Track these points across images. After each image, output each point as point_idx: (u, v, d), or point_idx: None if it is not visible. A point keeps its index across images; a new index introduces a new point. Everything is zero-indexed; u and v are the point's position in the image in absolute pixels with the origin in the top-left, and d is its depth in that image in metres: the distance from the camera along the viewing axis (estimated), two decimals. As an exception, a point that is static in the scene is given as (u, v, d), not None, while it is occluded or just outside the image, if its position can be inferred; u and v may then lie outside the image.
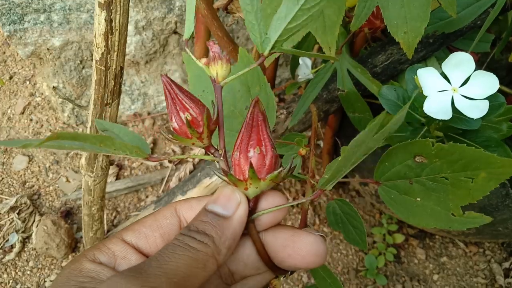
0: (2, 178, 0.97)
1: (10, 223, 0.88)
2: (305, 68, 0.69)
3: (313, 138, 0.57)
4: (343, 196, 1.04)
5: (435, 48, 0.60)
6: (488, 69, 0.63)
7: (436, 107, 0.41)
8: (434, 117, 0.41)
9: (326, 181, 0.27)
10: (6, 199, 0.93)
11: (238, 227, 0.23)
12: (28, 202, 0.91)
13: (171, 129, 0.27)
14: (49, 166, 1.00)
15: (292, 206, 1.00)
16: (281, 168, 0.25)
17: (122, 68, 0.53)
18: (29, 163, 1.00)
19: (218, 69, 0.26)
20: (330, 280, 0.32)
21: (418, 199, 0.29)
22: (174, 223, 0.26)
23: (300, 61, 0.71)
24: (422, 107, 0.42)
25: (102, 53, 0.49)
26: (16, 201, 0.90)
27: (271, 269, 0.26)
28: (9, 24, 0.89)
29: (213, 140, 0.27)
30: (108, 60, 0.50)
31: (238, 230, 0.23)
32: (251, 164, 0.24)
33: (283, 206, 0.25)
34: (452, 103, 0.41)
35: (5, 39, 1.26)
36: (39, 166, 1.00)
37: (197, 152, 0.99)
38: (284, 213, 0.26)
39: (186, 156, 0.28)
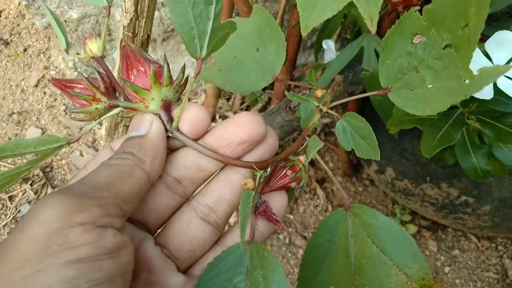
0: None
1: (23, 194, 0.88)
2: (329, 52, 0.68)
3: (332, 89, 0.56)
4: (356, 184, 1.03)
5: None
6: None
7: (478, 86, 0.39)
8: (476, 97, 0.39)
9: None
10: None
11: (155, 139, 0.25)
12: (41, 174, 0.91)
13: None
14: (62, 140, 0.99)
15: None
16: (162, 71, 0.26)
17: (148, 37, 0.52)
18: (42, 136, 0.99)
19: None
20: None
21: (430, 86, 0.27)
22: None
23: (324, 45, 0.70)
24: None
25: (131, 19, 0.48)
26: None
27: (220, 160, 0.26)
28: (28, -7, 0.88)
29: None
30: (136, 26, 0.49)
31: (156, 142, 0.25)
32: (129, 87, 0.26)
33: (183, 102, 0.26)
34: (495, 83, 0.40)
35: (20, 11, 1.24)
36: (52, 140, 0.99)
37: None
38: (203, 117, 0.26)
39: (101, 118, 0.28)
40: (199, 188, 0.28)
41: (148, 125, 0.25)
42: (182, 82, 0.28)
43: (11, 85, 1.09)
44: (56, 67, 1.11)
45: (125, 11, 0.48)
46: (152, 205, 0.27)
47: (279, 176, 0.28)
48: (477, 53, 0.41)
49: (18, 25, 1.22)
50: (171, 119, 0.26)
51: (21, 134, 0.99)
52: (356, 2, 0.41)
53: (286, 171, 0.28)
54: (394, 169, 0.82)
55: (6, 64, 1.13)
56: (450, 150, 0.59)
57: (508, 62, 0.40)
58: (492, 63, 0.40)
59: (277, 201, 0.27)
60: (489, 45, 0.41)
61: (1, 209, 0.88)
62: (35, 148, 0.26)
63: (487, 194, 0.73)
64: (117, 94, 0.28)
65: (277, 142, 0.28)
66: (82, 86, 0.27)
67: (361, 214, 0.26)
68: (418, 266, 0.24)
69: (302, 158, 0.29)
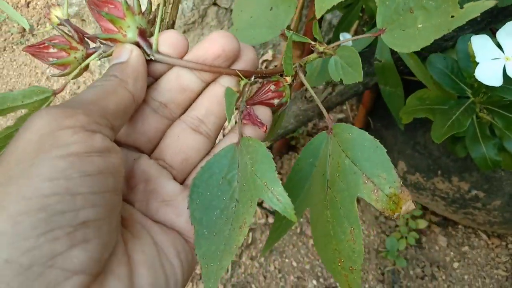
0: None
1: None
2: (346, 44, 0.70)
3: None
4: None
5: (481, 27, 0.60)
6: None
7: (488, 73, 0.41)
8: (485, 83, 0.41)
9: None
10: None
11: (136, 64, 0.26)
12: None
13: (97, 37, 0.28)
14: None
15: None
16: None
17: (174, 22, 0.55)
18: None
19: None
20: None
21: (420, 25, 0.28)
22: None
23: (341, 37, 0.72)
24: (470, 77, 0.42)
25: (158, 4, 0.51)
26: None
27: (204, 69, 0.27)
28: (57, -17, 0.91)
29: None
30: (163, 12, 0.52)
31: (136, 66, 0.26)
32: (105, 16, 0.27)
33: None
34: (504, 71, 0.41)
35: (47, 2, 1.29)
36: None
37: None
38: (180, 39, 0.27)
39: (82, 65, 0.29)
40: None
41: (128, 52, 0.26)
42: (150, 13, 0.29)
43: (37, 73, 1.13)
44: (80, 56, 1.15)
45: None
46: (141, 128, 0.28)
47: (263, 91, 0.30)
48: (489, 42, 0.43)
49: (45, 16, 1.27)
50: (149, 45, 0.27)
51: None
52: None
53: (270, 86, 0.30)
54: (406, 162, 0.83)
55: (32, 52, 1.17)
56: (461, 143, 0.60)
57: (518, 51, 0.42)
58: (503, 52, 0.42)
59: (261, 113, 0.29)
60: (500, 35, 0.42)
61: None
62: (22, 102, 0.27)
63: (498, 188, 0.74)
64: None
65: (256, 57, 0.29)
66: (54, 41, 0.28)
67: (340, 132, 0.27)
68: (386, 175, 0.24)
69: (287, 77, 0.30)
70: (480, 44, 0.42)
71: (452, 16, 0.26)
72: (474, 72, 0.42)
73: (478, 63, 0.42)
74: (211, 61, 0.27)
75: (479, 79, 0.41)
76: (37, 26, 1.24)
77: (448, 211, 0.86)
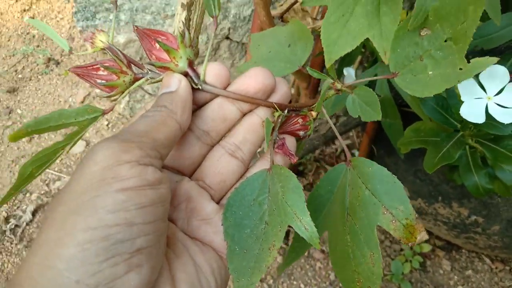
0: (62, 159, 1.07)
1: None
2: (350, 78, 0.75)
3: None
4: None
5: (474, 64, 0.65)
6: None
7: (471, 111, 0.46)
8: (468, 120, 0.46)
9: None
10: (64, 177, 1.02)
11: (184, 94, 0.28)
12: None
13: (155, 61, 0.30)
14: (104, 152, 1.09)
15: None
16: (183, 33, 0.30)
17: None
18: (86, 147, 1.09)
19: None
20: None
21: (430, 72, 0.30)
22: None
23: (345, 72, 0.77)
24: (458, 113, 0.47)
25: (208, 38, 0.57)
26: (73, 180, 1.00)
27: (244, 100, 0.30)
28: (83, 20, 0.99)
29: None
30: (212, 43, 0.58)
31: (185, 97, 0.28)
32: (160, 44, 0.29)
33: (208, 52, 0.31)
34: (486, 110, 0.46)
35: (70, 35, 1.38)
36: (94, 151, 1.09)
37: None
38: (224, 71, 0.30)
39: (130, 89, 0.31)
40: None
41: (177, 82, 0.28)
42: (196, 43, 0.32)
43: (60, 101, 1.20)
44: (101, 86, 1.22)
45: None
46: (186, 154, 0.31)
47: (291, 122, 0.33)
48: (473, 83, 0.48)
49: (86, 39, 1.35)
50: (197, 75, 0.29)
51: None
52: (372, 38, 0.49)
53: (298, 119, 0.33)
54: (409, 189, 0.87)
55: (56, 82, 1.25)
56: (458, 171, 0.65)
57: (499, 92, 0.46)
58: (486, 92, 0.47)
59: (288, 142, 0.32)
60: (483, 76, 0.47)
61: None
62: (75, 119, 0.28)
63: (496, 214, 0.77)
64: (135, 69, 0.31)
65: (289, 91, 0.32)
66: (104, 64, 0.29)
67: (359, 165, 0.29)
68: (403, 208, 0.27)
69: (313, 112, 0.33)
70: (465, 84, 0.47)
71: (460, 68, 0.29)
72: (459, 110, 0.47)
73: (463, 101, 0.47)
74: (252, 94, 0.30)
75: (463, 117, 0.46)
76: (60, 57, 1.32)
77: (451, 235, 0.89)
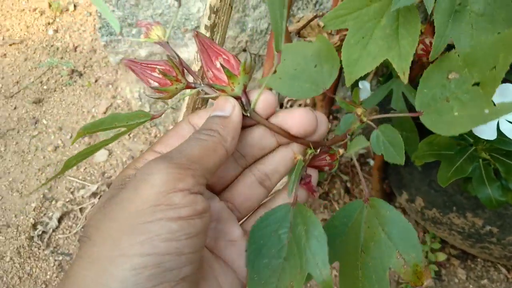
0: (86, 168, 1.11)
1: (91, 207, 1.01)
2: (365, 91, 0.77)
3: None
4: (388, 212, 1.09)
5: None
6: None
7: (484, 128, 0.48)
8: (481, 137, 0.48)
9: None
10: (88, 185, 1.06)
11: (237, 121, 0.29)
12: (107, 190, 1.04)
13: (209, 80, 0.30)
14: (125, 161, 1.13)
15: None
16: (246, 59, 0.30)
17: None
18: (108, 157, 1.14)
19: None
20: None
21: (456, 113, 0.31)
22: (190, 131, 0.31)
23: (360, 85, 0.80)
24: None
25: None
26: (97, 188, 1.04)
27: (284, 135, 0.31)
28: (106, 35, 1.04)
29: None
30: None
31: (237, 123, 0.29)
32: (223, 68, 0.29)
33: (261, 90, 0.30)
34: (498, 126, 0.48)
35: (92, 47, 1.42)
36: (116, 160, 1.13)
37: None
38: (274, 101, 0.31)
39: (179, 99, 0.33)
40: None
41: (232, 107, 0.29)
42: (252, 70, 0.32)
43: (83, 112, 1.25)
44: (123, 97, 1.27)
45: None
46: (221, 173, 0.32)
47: (319, 158, 0.34)
48: (484, 101, 0.50)
49: (91, 58, 1.40)
50: (249, 102, 0.30)
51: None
52: (391, 59, 0.51)
53: (326, 156, 0.34)
54: (423, 199, 0.89)
55: (79, 92, 1.30)
56: (472, 182, 0.66)
57: (510, 110, 0.48)
58: (497, 110, 0.49)
59: (313, 178, 0.33)
60: (494, 95, 0.49)
61: (73, 219, 1.02)
62: (126, 122, 0.30)
63: (510, 225, 0.78)
64: (189, 77, 0.31)
65: (327, 130, 0.33)
66: (161, 67, 0.29)
67: (377, 206, 0.31)
68: (415, 255, 0.29)
69: (341, 150, 0.35)
70: (476, 103, 0.49)
71: (487, 111, 0.30)
72: (473, 126, 0.49)
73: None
74: (293, 132, 0.31)
75: (476, 133, 0.48)
76: (83, 69, 1.37)
77: (466, 245, 0.90)
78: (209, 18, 0.55)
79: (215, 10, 0.54)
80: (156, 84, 0.29)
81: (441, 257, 0.99)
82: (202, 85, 0.31)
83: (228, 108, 0.29)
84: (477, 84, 0.32)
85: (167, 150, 0.29)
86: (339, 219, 0.34)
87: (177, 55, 0.30)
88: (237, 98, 0.30)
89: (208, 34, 0.57)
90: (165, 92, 0.30)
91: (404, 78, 0.51)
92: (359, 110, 0.36)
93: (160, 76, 0.29)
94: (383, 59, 0.49)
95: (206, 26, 0.57)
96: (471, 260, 1.01)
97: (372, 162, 1.16)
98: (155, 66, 0.29)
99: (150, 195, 0.23)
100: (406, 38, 0.48)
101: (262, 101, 0.30)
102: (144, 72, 0.29)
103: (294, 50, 0.50)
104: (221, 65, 0.29)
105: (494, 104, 0.31)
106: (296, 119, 0.30)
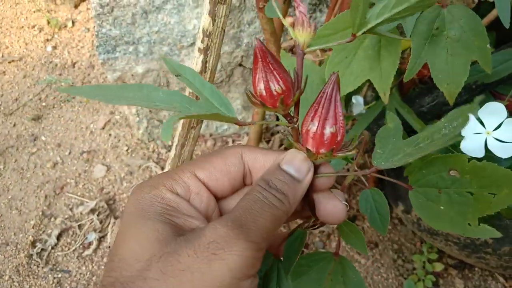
0: (84, 184, 1.12)
1: (90, 223, 1.02)
2: (358, 105, 0.79)
3: (362, 149, 0.66)
4: (386, 223, 1.10)
5: (477, 93, 0.68)
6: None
7: (472, 146, 0.49)
8: (469, 155, 0.49)
9: (381, 159, 0.31)
10: (87, 202, 1.07)
11: (305, 189, 0.27)
12: (106, 206, 1.05)
13: (257, 94, 0.28)
14: (124, 176, 1.14)
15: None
16: (354, 151, 0.28)
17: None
18: (107, 172, 1.15)
19: (305, 36, 0.27)
20: (353, 234, 0.37)
21: (442, 207, 0.33)
22: (240, 170, 0.29)
23: (353, 100, 0.81)
24: (460, 146, 0.50)
25: (199, 72, 0.61)
26: (95, 205, 1.04)
27: (314, 216, 0.31)
28: (104, 53, 1.05)
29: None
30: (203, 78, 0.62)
31: (304, 191, 0.27)
32: (329, 145, 0.27)
33: (338, 174, 0.30)
34: (486, 144, 0.49)
35: (90, 62, 1.44)
36: (115, 175, 1.14)
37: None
38: (332, 182, 0.30)
39: (267, 122, 0.32)
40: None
41: (307, 170, 0.27)
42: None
43: (82, 127, 1.26)
44: (121, 112, 1.28)
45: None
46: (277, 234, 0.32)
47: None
48: (472, 119, 0.51)
49: (89, 74, 1.42)
50: (314, 173, 0.28)
51: (89, 170, 1.15)
52: (372, 80, 0.53)
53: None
54: (419, 210, 0.89)
55: (78, 108, 1.31)
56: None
57: (497, 128, 0.50)
58: (485, 127, 0.50)
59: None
60: (482, 113, 0.50)
61: (72, 236, 1.02)
62: (221, 120, 0.28)
63: (505, 235, 0.79)
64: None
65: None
66: (283, 80, 0.27)
67: (345, 266, 0.34)
68: None
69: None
70: (464, 121, 0.51)
71: (469, 224, 0.32)
72: (460, 143, 0.50)
73: (463, 137, 0.50)
74: (322, 216, 0.30)
75: (464, 151, 0.49)
76: (82, 85, 1.38)
77: (462, 255, 0.91)
78: (202, 41, 0.57)
79: (207, 33, 0.56)
80: (263, 93, 0.27)
81: (439, 267, 0.99)
82: (295, 126, 0.29)
83: (303, 170, 0.27)
84: (471, 193, 0.33)
85: (211, 182, 0.28)
86: (306, 259, 0.36)
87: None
88: (287, 115, 0.29)
89: (201, 57, 0.58)
90: (273, 105, 0.28)
91: (385, 98, 0.52)
92: (353, 167, 0.38)
93: (277, 92, 0.27)
94: (365, 79, 0.51)
95: (199, 49, 0.58)
96: (468, 269, 1.02)
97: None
98: (278, 79, 0.27)
99: (225, 279, 0.22)
100: (387, 59, 0.49)
101: (330, 202, 0.30)
102: (264, 74, 0.27)
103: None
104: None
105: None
106: (335, 211, 0.30)
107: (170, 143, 1.14)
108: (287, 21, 0.28)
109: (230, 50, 1.10)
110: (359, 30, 0.28)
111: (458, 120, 0.27)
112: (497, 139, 0.49)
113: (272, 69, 0.27)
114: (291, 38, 0.80)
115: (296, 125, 0.29)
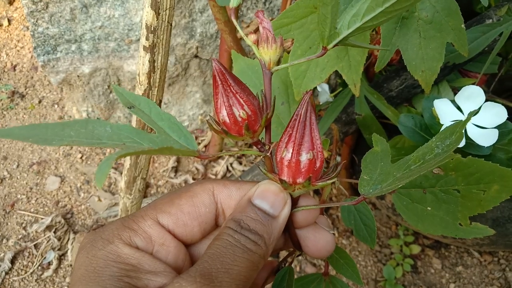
0: (37, 199, 1.03)
1: (47, 242, 0.94)
2: (324, 93, 0.74)
3: (335, 150, 0.62)
4: (359, 208, 1.08)
5: (446, 73, 0.65)
6: (498, 83, 0.68)
7: (451, 135, 0.45)
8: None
9: (369, 188, 0.28)
10: (42, 218, 0.98)
11: (282, 226, 0.24)
12: (63, 221, 0.97)
13: (220, 121, 0.25)
14: (80, 186, 1.05)
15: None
16: (335, 180, 0.25)
17: (160, 101, 0.59)
18: (61, 184, 1.06)
19: (271, 54, 0.24)
20: (344, 260, 0.34)
21: (429, 208, 0.31)
22: (211, 211, 0.26)
23: (319, 88, 0.76)
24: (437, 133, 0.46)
25: (145, 90, 0.55)
26: (51, 220, 0.96)
27: (298, 250, 0.29)
28: (44, 55, 0.95)
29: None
30: (150, 95, 0.56)
31: (281, 229, 0.24)
32: (307, 173, 0.24)
33: (319, 206, 0.26)
34: (466, 131, 0.46)
35: (33, 64, 1.33)
36: (70, 186, 1.05)
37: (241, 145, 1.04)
38: (316, 215, 0.27)
39: (232, 153, 0.27)
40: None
41: (282, 205, 0.24)
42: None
43: (29, 136, 1.15)
44: (70, 117, 1.18)
45: (139, 83, 0.54)
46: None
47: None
48: (450, 105, 0.47)
49: (32, 77, 1.30)
50: (293, 206, 0.26)
51: (41, 183, 1.06)
52: (341, 70, 0.48)
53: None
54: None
55: (23, 116, 1.20)
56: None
57: (477, 112, 0.46)
58: (463, 113, 0.46)
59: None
60: (459, 98, 0.47)
61: (28, 257, 0.94)
62: (178, 154, 0.25)
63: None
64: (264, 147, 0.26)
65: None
66: (248, 104, 0.24)
67: (335, 283, 0.32)
68: None
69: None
70: (442, 108, 0.47)
71: (460, 224, 0.30)
72: (439, 131, 0.46)
73: (442, 125, 0.46)
74: (311, 252, 0.28)
75: (444, 142, 0.45)
76: (25, 90, 1.27)
77: (439, 235, 0.90)
78: (147, 39, 0.50)
79: (152, 29, 0.49)
80: (227, 121, 0.24)
81: (416, 249, 0.98)
82: (268, 155, 0.26)
83: (279, 204, 0.24)
84: (458, 191, 0.31)
85: (178, 229, 0.24)
86: (296, 284, 0.33)
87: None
88: (256, 143, 0.26)
89: (148, 56, 0.51)
90: (232, 138, 0.25)
91: (355, 90, 0.48)
92: (325, 153, 0.35)
93: (242, 118, 0.24)
94: (333, 70, 0.46)
95: (144, 47, 0.51)
96: (444, 248, 1.01)
97: (339, 158, 1.14)
98: (242, 103, 0.24)
99: None
100: (356, 48, 0.44)
101: (306, 218, 0.26)
102: (226, 99, 0.24)
103: (246, 72, 0.46)
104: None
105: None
106: (324, 245, 0.27)
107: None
108: (250, 39, 0.25)
109: (184, 42, 1.02)
110: (329, 43, 0.25)
111: (452, 138, 0.23)
112: (477, 125, 0.45)
113: (235, 92, 0.24)
114: (248, 26, 0.74)
115: (268, 154, 0.26)
